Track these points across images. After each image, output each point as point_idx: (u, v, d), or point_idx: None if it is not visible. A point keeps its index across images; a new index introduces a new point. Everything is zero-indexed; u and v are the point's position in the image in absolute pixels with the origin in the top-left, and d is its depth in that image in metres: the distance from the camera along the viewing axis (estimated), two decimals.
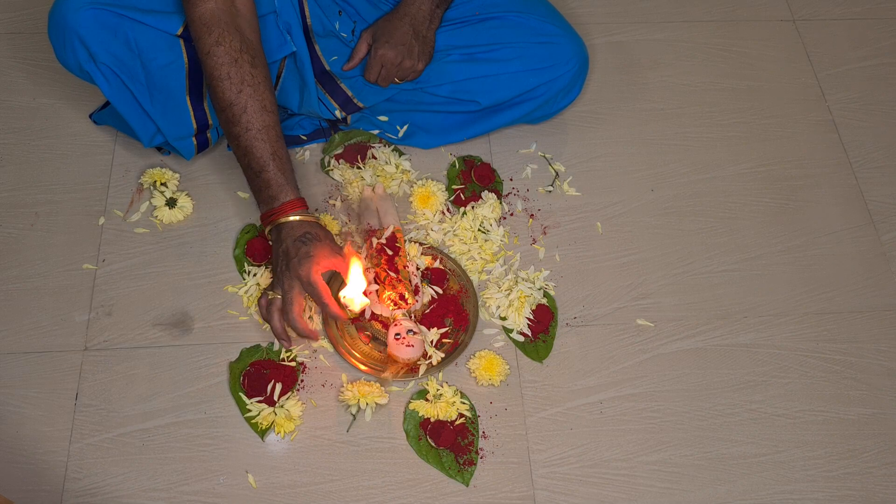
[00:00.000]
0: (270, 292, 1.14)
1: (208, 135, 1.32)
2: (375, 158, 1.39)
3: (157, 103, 1.23)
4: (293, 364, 1.19)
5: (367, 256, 1.25)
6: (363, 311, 1.21)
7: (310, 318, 1.23)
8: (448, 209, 1.36)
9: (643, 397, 1.21)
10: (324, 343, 1.22)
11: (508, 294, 1.26)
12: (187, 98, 1.24)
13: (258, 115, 1.13)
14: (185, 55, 1.20)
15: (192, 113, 1.26)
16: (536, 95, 1.35)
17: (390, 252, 1.24)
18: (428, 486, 1.13)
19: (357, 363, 1.19)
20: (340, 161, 1.39)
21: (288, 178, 1.15)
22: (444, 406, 1.16)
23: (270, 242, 1.17)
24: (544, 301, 1.27)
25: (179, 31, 1.18)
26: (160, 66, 1.20)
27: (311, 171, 1.38)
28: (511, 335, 1.24)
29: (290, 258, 1.12)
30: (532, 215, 1.37)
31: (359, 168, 1.38)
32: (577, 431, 1.18)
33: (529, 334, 1.24)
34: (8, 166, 1.37)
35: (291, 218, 1.13)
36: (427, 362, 1.20)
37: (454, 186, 1.38)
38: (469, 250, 1.31)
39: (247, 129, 1.13)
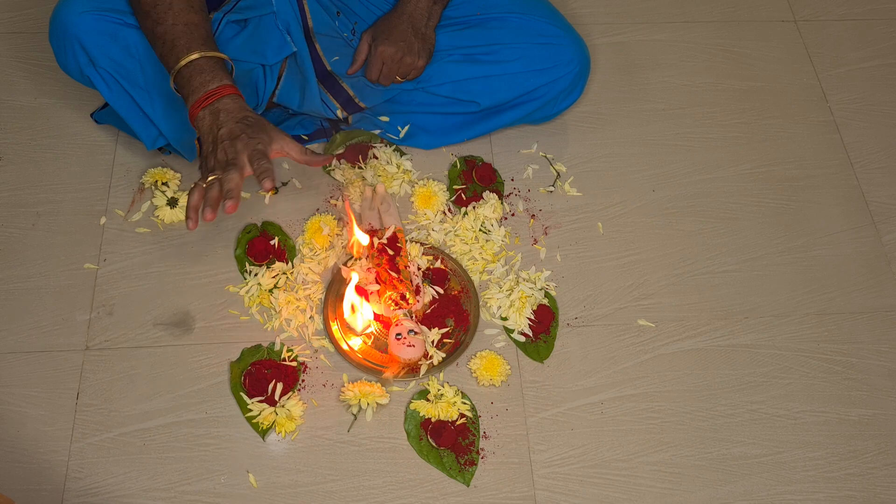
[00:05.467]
0: (208, 178, 1.08)
1: None
2: (377, 158, 1.39)
3: (158, 107, 1.24)
4: (294, 364, 1.19)
5: (367, 257, 1.25)
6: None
7: (311, 317, 1.23)
8: (449, 209, 1.36)
9: (644, 398, 1.21)
10: (325, 343, 1.22)
11: (509, 294, 1.26)
12: None
13: (184, 13, 1.12)
14: None
15: None
16: (537, 96, 1.35)
17: (391, 252, 1.24)
18: (429, 487, 1.13)
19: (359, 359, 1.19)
20: (342, 161, 1.39)
21: (221, 67, 1.12)
22: (445, 406, 1.16)
23: (199, 133, 1.12)
24: (545, 301, 1.27)
25: None
26: (160, 69, 1.20)
27: (312, 171, 1.38)
28: (512, 335, 1.24)
29: (235, 136, 1.08)
30: (533, 216, 1.37)
31: (360, 168, 1.38)
32: (578, 432, 1.18)
33: (530, 334, 1.24)
34: (9, 166, 1.37)
35: (228, 101, 1.10)
36: (428, 362, 1.20)
37: (455, 186, 1.38)
38: (470, 250, 1.31)
39: (173, 24, 1.11)
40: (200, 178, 1.10)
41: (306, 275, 1.26)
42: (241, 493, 1.11)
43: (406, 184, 1.37)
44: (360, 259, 1.25)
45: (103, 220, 1.32)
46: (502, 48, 1.33)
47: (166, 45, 1.12)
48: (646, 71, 1.57)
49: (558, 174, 1.42)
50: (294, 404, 1.16)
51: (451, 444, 1.14)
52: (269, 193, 1.35)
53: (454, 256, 1.30)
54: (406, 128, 1.40)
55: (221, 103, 1.10)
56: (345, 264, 1.26)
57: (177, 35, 1.11)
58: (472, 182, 1.38)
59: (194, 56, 1.10)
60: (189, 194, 1.08)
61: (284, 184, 1.37)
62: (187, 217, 1.07)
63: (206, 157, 1.11)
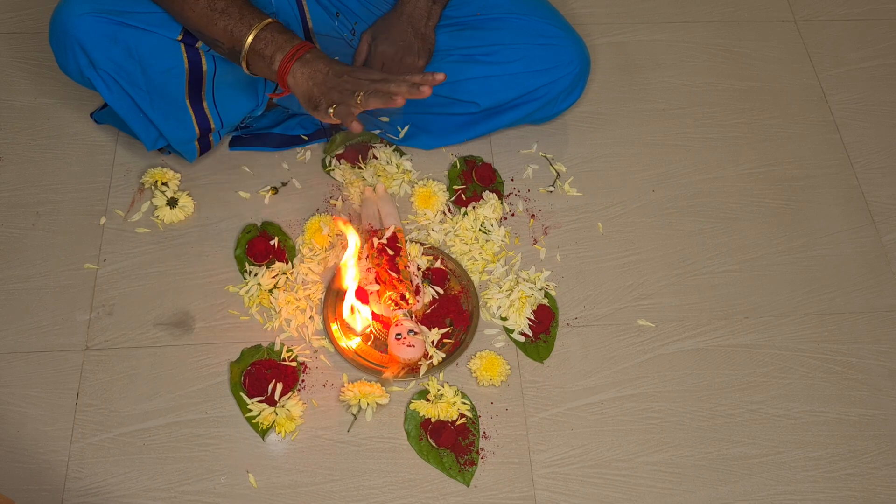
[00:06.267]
0: (355, 98, 1.07)
1: (210, 138, 1.32)
2: (376, 158, 1.39)
3: (158, 108, 1.24)
4: (294, 364, 1.19)
5: (367, 257, 1.25)
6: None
7: (311, 317, 1.23)
8: (449, 209, 1.36)
9: (644, 398, 1.21)
10: (325, 343, 1.22)
11: (509, 294, 1.26)
12: (187, 101, 1.24)
13: None
14: (185, 59, 1.20)
15: (193, 117, 1.26)
16: (537, 97, 1.35)
17: (391, 252, 1.24)
18: (428, 487, 1.13)
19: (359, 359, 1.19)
20: (341, 161, 1.39)
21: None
22: (445, 406, 1.16)
23: (294, 86, 1.11)
24: (545, 301, 1.27)
25: (180, 37, 1.18)
26: (160, 71, 1.20)
27: (312, 171, 1.38)
28: (512, 335, 1.24)
29: (348, 72, 1.09)
30: (533, 216, 1.37)
31: (360, 168, 1.38)
32: (578, 432, 1.18)
33: (530, 334, 1.24)
34: (9, 166, 1.37)
35: (318, 51, 1.11)
36: (428, 362, 1.20)
37: (455, 187, 1.38)
38: (470, 250, 1.31)
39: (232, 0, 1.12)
40: (336, 106, 1.08)
41: (306, 275, 1.26)
42: (241, 493, 1.11)
43: (406, 184, 1.37)
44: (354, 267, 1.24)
45: (103, 220, 1.32)
46: (502, 49, 1.32)
47: (233, 18, 1.11)
48: (646, 71, 1.57)
49: (558, 174, 1.42)
50: (294, 404, 1.16)
51: (451, 444, 1.14)
52: (270, 193, 1.35)
53: (454, 256, 1.30)
54: (406, 128, 1.40)
55: (312, 54, 1.11)
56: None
57: (241, 6, 1.12)
58: (472, 182, 1.38)
59: (269, 21, 1.11)
60: (340, 113, 1.07)
61: (284, 184, 1.37)
62: (352, 121, 1.07)
63: (330, 92, 1.09)
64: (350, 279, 1.20)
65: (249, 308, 1.24)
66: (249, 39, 1.11)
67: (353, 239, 1.20)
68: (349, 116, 1.07)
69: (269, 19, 1.12)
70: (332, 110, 1.08)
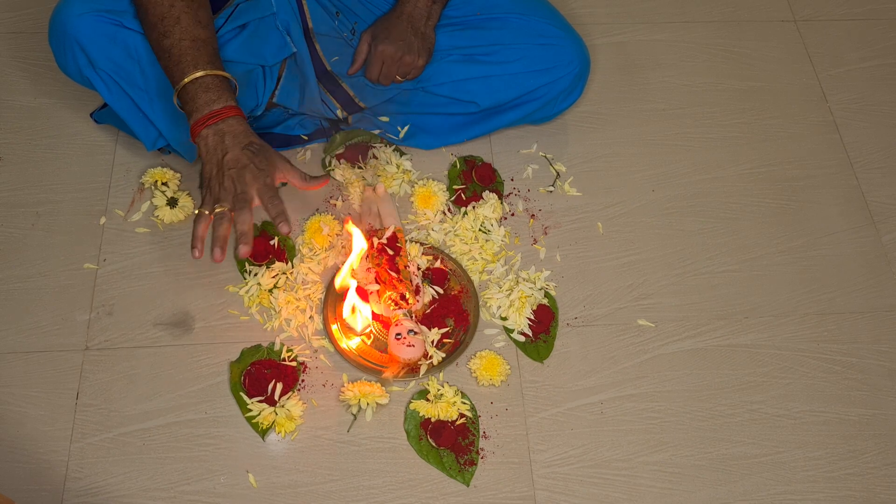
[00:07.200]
0: (214, 208, 1.09)
1: None
2: (376, 158, 1.39)
3: (158, 109, 1.24)
4: (294, 364, 1.19)
5: (367, 257, 1.25)
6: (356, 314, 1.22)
7: (311, 317, 1.23)
8: (449, 209, 1.36)
9: (644, 397, 1.21)
10: (325, 343, 1.22)
11: (509, 294, 1.26)
12: None
13: (192, 28, 1.12)
14: None
15: None
16: (537, 97, 1.35)
17: (391, 252, 1.24)
18: (428, 486, 1.13)
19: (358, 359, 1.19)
20: (341, 161, 1.39)
21: (227, 87, 1.13)
22: (445, 406, 1.16)
23: (200, 152, 1.13)
24: (545, 301, 1.27)
25: None
26: (160, 72, 1.20)
27: (312, 171, 1.38)
28: (512, 335, 1.24)
29: (243, 165, 1.09)
30: (533, 215, 1.37)
31: (360, 168, 1.38)
32: (578, 432, 1.18)
33: (530, 334, 1.24)
34: (9, 166, 1.37)
35: (234, 122, 1.11)
36: (428, 362, 1.20)
37: (455, 186, 1.38)
38: (470, 250, 1.31)
39: (180, 39, 1.11)
40: (204, 203, 1.10)
41: (306, 275, 1.26)
42: (240, 493, 1.11)
43: (406, 184, 1.37)
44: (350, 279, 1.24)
45: (103, 220, 1.32)
46: (502, 48, 1.33)
47: (172, 60, 1.12)
48: (646, 71, 1.57)
49: (558, 174, 1.42)
50: (294, 404, 1.16)
51: (451, 443, 1.14)
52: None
53: (454, 256, 1.30)
54: (406, 128, 1.40)
55: (226, 124, 1.11)
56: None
57: (183, 50, 1.11)
58: (472, 182, 1.38)
59: (200, 73, 1.11)
60: (195, 222, 1.09)
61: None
62: (193, 246, 1.08)
63: (210, 180, 1.11)
64: (348, 280, 1.20)
65: (249, 308, 1.24)
66: (178, 88, 1.11)
67: (360, 244, 1.20)
68: (200, 216, 1.09)
69: (203, 72, 1.10)
70: (218, 208, 1.09)
